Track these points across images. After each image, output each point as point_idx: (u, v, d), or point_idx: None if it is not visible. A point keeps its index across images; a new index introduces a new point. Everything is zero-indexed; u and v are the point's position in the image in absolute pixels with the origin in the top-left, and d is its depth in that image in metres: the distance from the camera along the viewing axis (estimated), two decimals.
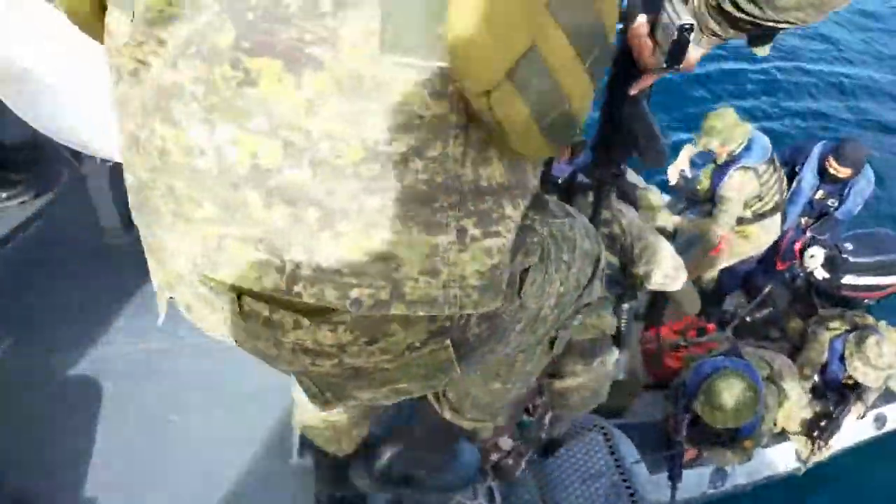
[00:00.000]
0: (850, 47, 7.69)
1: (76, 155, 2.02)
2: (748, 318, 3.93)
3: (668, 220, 3.92)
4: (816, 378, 3.58)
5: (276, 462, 1.79)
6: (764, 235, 4.04)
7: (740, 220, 3.95)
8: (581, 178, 2.23)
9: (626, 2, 1.07)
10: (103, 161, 2.04)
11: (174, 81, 0.68)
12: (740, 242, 4.04)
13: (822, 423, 3.40)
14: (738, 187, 3.77)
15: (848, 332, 3.51)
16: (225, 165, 0.69)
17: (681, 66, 1.01)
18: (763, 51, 1.06)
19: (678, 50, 0.97)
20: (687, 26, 0.94)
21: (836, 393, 3.53)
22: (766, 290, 3.88)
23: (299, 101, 0.64)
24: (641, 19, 1.04)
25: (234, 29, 0.63)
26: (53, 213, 2.42)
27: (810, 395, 3.52)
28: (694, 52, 1.01)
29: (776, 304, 3.93)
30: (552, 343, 1.21)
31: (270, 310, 0.77)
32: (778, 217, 4.03)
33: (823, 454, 3.46)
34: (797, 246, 3.94)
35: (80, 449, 1.77)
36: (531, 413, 2.58)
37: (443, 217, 0.71)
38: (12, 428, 1.79)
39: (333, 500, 1.89)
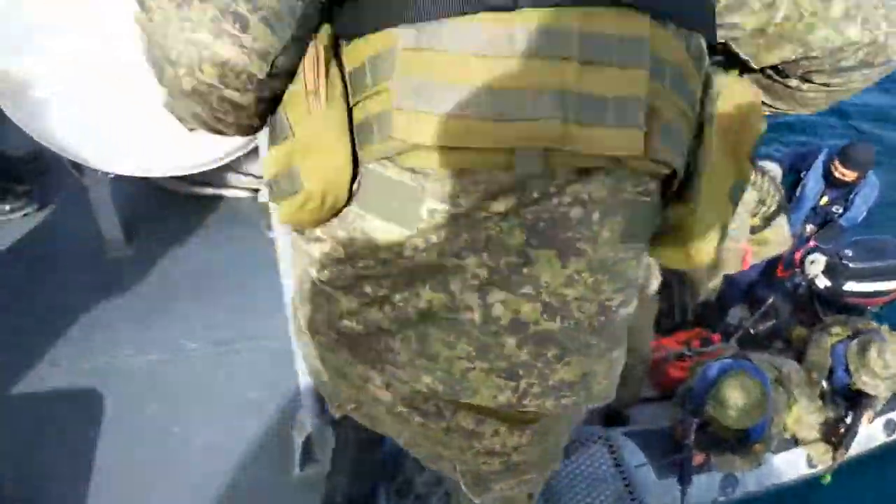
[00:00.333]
0: None
1: (78, 167, 2.02)
2: (752, 330, 3.90)
3: None
4: (824, 384, 3.54)
5: (278, 475, 1.78)
6: (781, 232, 4.00)
7: (752, 230, 3.92)
8: None
9: None
10: (105, 173, 2.04)
11: (457, 264, 0.86)
12: (760, 249, 4.00)
13: (840, 430, 3.36)
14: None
15: (850, 337, 3.48)
16: (489, 318, 0.88)
17: None
18: None
19: None
20: None
21: (844, 398, 3.50)
22: (769, 301, 3.85)
23: (562, 277, 0.86)
24: None
25: (524, 234, 0.84)
26: (56, 225, 2.43)
27: (820, 402, 3.48)
28: None
29: (779, 316, 3.90)
30: None
31: (477, 421, 1.00)
32: (784, 216, 4.00)
33: (836, 460, 3.43)
34: (797, 255, 3.91)
35: (82, 460, 1.76)
36: None
37: (620, 339, 1.01)
38: (14, 439, 1.79)
39: None
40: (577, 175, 0.81)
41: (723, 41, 0.88)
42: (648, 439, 3.14)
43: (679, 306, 3.86)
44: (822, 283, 3.67)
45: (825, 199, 4.16)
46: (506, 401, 0.93)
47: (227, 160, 2.06)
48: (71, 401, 1.91)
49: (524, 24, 0.73)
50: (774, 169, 4.00)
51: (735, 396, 2.90)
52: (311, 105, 0.80)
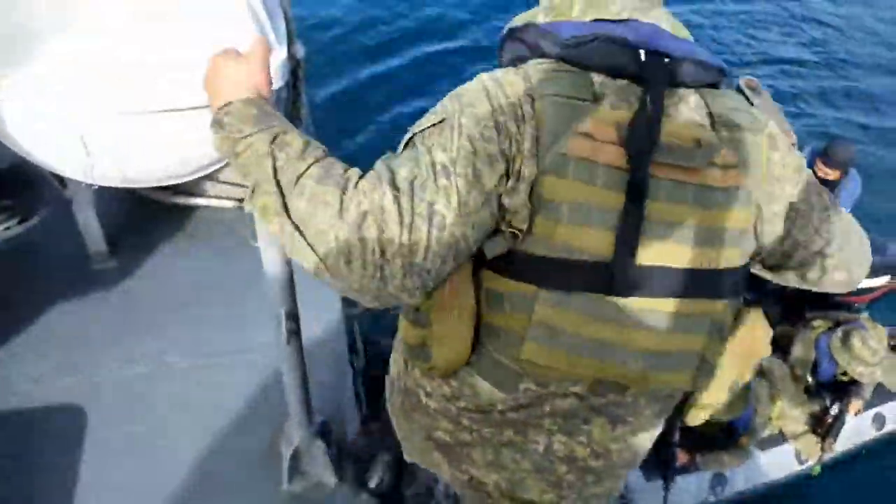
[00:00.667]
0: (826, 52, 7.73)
1: (61, 179, 2.00)
2: None
3: None
4: (809, 379, 3.57)
5: (267, 489, 1.77)
6: None
7: None
8: None
9: None
10: (88, 185, 2.02)
11: (537, 423, 1.15)
12: None
13: (827, 420, 3.39)
14: None
15: (831, 329, 3.51)
16: (550, 451, 1.17)
17: None
18: None
19: None
20: None
21: (830, 391, 3.52)
22: (756, 301, 3.86)
23: (610, 436, 1.16)
24: None
25: (588, 408, 1.13)
26: (39, 238, 2.40)
27: (805, 395, 3.51)
28: None
29: (767, 315, 3.91)
30: None
31: None
32: None
33: (825, 456, 3.45)
34: None
35: (66, 476, 1.75)
36: None
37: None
38: None
39: None
40: None
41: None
42: None
43: None
44: None
45: None
46: (549, 500, 1.24)
47: (210, 170, 2.05)
48: (55, 416, 1.89)
49: (626, 302, 1.01)
50: None
51: None
52: (446, 311, 1.05)
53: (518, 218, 0.96)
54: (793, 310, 3.85)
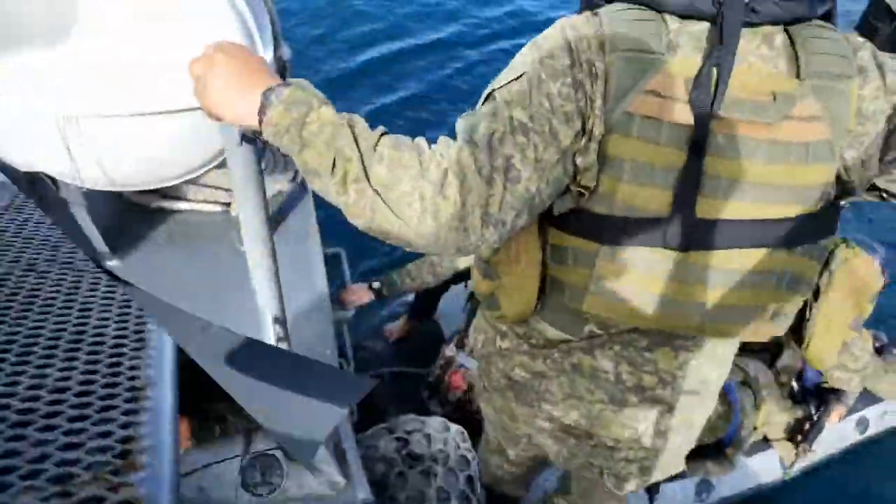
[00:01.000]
0: None
1: (53, 181, 1.97)
2: None
3: None
4: (795, 385, 3.58)
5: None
6: None
7: None
8: None
9: None
10: (78, 188, 2.00)
11: (602, 352, 1.27)
12: None
13: (805, 427, 3.40)
14: None
15: None
16: (620, 380, 1.26)
17: None
18: None
19: None
20: None
21: (815, 397, 3.54)
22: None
23: (674, 363, 1.24)
24: None
25: (649, 339, 1.22)
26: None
27: (790, 402, 3.52)
28: None
29: None
30: None
31: (614, 441, 1.37)
32: None
33: (809, 460, 3.46)
34: None
35: None
36: None
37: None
38: None
39: None
40: None
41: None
42: None
43: None
44: None
45: None
46: (629, 436, 1.30)
47: (196, 174, 2.03)
48: None
49: (684, 257, 1.02)
50: None
51: None
52: (513, 265, 1.12)
53: (587, 176, 0.97)
54: None
